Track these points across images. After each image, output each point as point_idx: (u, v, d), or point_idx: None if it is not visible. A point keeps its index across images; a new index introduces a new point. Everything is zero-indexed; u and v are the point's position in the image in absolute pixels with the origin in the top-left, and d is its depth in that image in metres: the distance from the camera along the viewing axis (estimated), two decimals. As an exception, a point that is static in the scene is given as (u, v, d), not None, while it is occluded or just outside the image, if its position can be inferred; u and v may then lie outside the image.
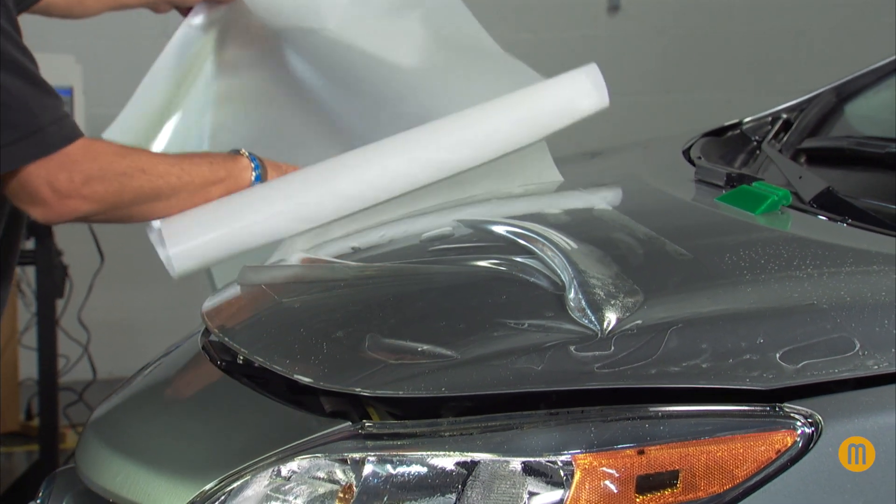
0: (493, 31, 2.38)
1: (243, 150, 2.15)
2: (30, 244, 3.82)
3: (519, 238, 1.88)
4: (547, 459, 1.49)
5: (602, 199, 2.13)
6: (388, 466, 1.53)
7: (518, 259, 1.79)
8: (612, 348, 1.55)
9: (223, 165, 2.11)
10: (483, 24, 2.36)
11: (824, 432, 1.46)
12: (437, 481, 1.51)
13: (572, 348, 1.56)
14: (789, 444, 1.46)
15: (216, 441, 1.67)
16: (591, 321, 1.59)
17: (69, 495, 1.80)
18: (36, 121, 1.89)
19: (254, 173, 2.13)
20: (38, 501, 1.83)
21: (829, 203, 1.94)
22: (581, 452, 1.48)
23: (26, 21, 2.06)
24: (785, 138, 2.42)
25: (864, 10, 5.42)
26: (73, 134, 1.93)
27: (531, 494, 1.48)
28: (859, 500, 1.45)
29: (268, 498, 1.57)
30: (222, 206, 2.10)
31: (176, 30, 2.31)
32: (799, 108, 2.52)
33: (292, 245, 2.20)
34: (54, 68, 2.88)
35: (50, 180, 1.91)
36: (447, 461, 1.51)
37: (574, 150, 2.79)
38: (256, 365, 1.76)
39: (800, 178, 2.07)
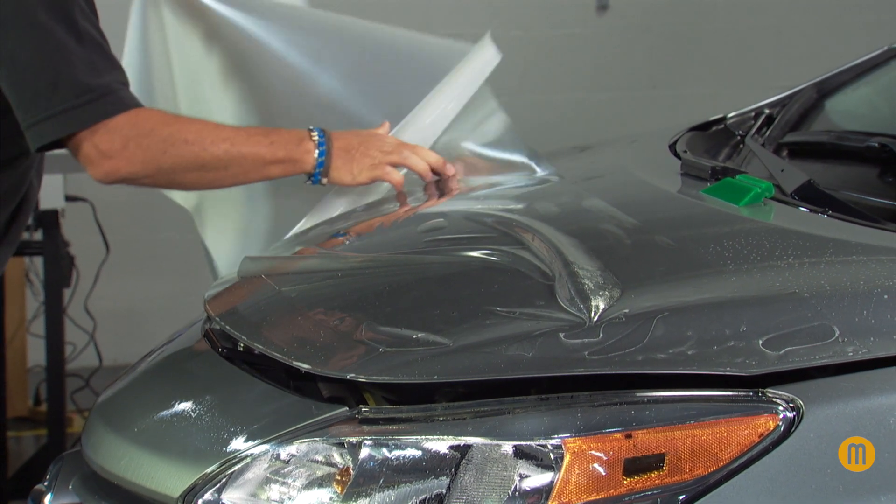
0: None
1: (313, 132, 2.10)
2: (38, 235, 3.81)
3: (510, 229, 1.88)
4: (537, 443, 1.48)
5: (591, 192, 2.13)
6: (384, 450, 1.53)
7: (509, 250, 1.79)
8: (601, 336, 1.55)
9: (284, 146, 2.07)
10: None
11: (805, 417, 1.46)
12: (432, 464, 1.51)
13: (562, 336, 1.56)
14: (772, 428, 1.46)
15: (217, 425, 1.66)
16: (579, 310, 1.59)
17: (76, 478, 1.80)
18: (94, 90, 1.94)
19: (318, 157, 2.09)
20: (46, 484, 1.83)
21: (810, 195, 1.93)
22: (570, 436, 1.48)
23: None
24: (767, 133, 2.41)
25: (844, 8, 5.42)
26: (124, 105, 1.97)
27: (522, 477, 1.48)
28: (838, 482, 1.45)
29: (267, 481, 1.57)
30: None
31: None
32: (781, 104, 2.51)
33: (292, 237, 2.20)
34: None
35: (95, 143, 1.97)
36: (441, 445, 1.51)
37: (564, 144, 2.79)
38: (256, 352, 1.76)
39: (782, 171, 2.07)
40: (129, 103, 1.98)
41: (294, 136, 2.09)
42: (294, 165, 2.08)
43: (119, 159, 1.99)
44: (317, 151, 2.09)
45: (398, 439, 1.53)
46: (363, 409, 1.58)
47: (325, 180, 2.13)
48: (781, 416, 1.46)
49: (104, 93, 1.95)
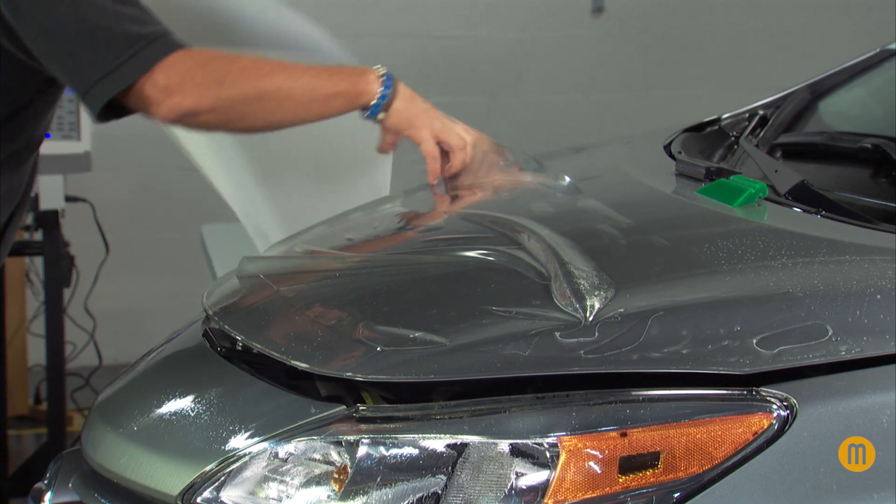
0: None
1: (379, 68, 2.06)
2: (38, 235, 3.81)
3: (506, 230, 1.88)
4: (534, 441, 1.48)
5: (586, 192, 2.13)
6: (382, 448, 1.53)
7: (505, 250, 1.79)
8: (596, 335, 1.55)
9: (345, 77, 2.03)
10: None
11: (799, 415, 1.46)
12: (429, 462, 1.51)
13: (558, 335, 1.56)
14: (766, 427, 1.46)
15: (216, 424, 1.66)
16: (575, 309, 1.59)
17: (76, 476, 1.80)
18: (144, 38, 1.92)
19: (381, 90, 2.04)
20: (46, 482, 1.83)
21: (804, 196, 1.94)
22: (566, 435, 1.48)
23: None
24: (761, 134, 2.41)
25: (838, 11, 5.42)
26: (176, 45, 1.95)
27: (518, 475, 1.48)
28: (831, 480, 1.45)
29: (266, 479, 1.57)
30: None
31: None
32: (775, 105, 2.51)
33: (290, 238, 2.20)
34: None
35: (154, 82, 1.92)
36: (438, 443, 1.51)
37: (560, 145, 2.79)
38: (255, 351, 1.75)
39: (776, 171, 2.07)
40: (181, 43, 1.97)
41: (357, 69, 2.06)
42: (356, 98, 2.03)
43: (179, 93, 1.93)
44: (381, 86, 2.05)
45: (395, 438, 1.53)
46: (361, 408, 1.58)
47: (382, 115, 2.07)
48: (775, 414, 1.46)
49: (155, 37, 1.93)
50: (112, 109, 1.95)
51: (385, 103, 2.06)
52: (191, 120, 1.97)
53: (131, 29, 1.92)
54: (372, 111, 2.06)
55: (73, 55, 1.92)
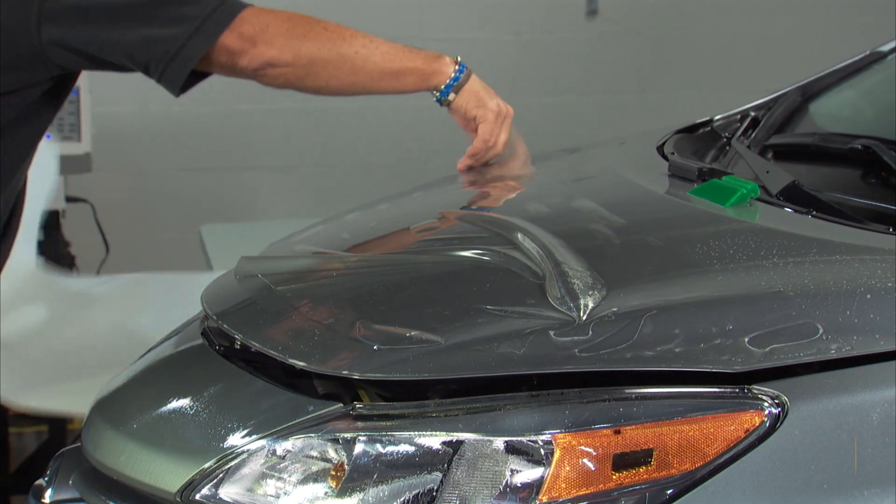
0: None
1: (456, 58, 2.10)
2: (38, 235, 3.80)
3: (501, 230, 1.87)
4: (528, 439, 1.48)
5: (580, 193, 2.13)
6: (378, 446, 1.53)
7: (500, 249, 1.79)
8: (590, 333, 1.55)
9: (422, 56, 2.06)
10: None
11: (790, 413, 1.46)
12: (425, 460, 1.51)
13: (552, 334, 1.55)
14: (757, 424, 1.46)
15: (214, 422, 1.66)
16: (569, 308, 1.59)
17: (76, 473, 1.80)
18: (209, 6, 1.94)
19: (455, 73, 2.07)
20: (47, 479, 1.83)
21: (795, 196, 1.93)
22: (560, 432, 1.48)
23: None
24: (753, 135, 2.41)
25: (828, 14, 5.42)
26: (244, 4, 1.97)
27: (513, 472, 1.48)
28: (822, 477, 1.45)
29: (264, 476, 1.57)
30: None
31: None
32: (766, 107, 2.51)
33: (288, 237, 2.20)
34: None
35: (238, 33, 1.93)
36: (434, 441, 1.51)
37: (555, 146, 2.79)
38: (253, 349, 1.75)
39: (767, 172, 2.07)
40: (250, 4, 1.98)
41: (433, 53, 2.09)
42: (429, 77, 2.06)
43: (262, 43, 1.95)
44: (455, 69, 2.08)
45: (392, 435, 1.53)
46: (357, 406, 1.58)
47: (452, 96, 2.10)
48: (767, 412, 1.46)
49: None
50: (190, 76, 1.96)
51: (457, 85, 2.09)
52: (269, 71, 1.97)
53: None
54: (443, 92, 2.09)
55: (148, 39, 1.93)
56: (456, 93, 2.11)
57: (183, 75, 1.95)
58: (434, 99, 2.12)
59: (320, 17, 2.03)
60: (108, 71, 2.03)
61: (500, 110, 2.16)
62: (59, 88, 2.05)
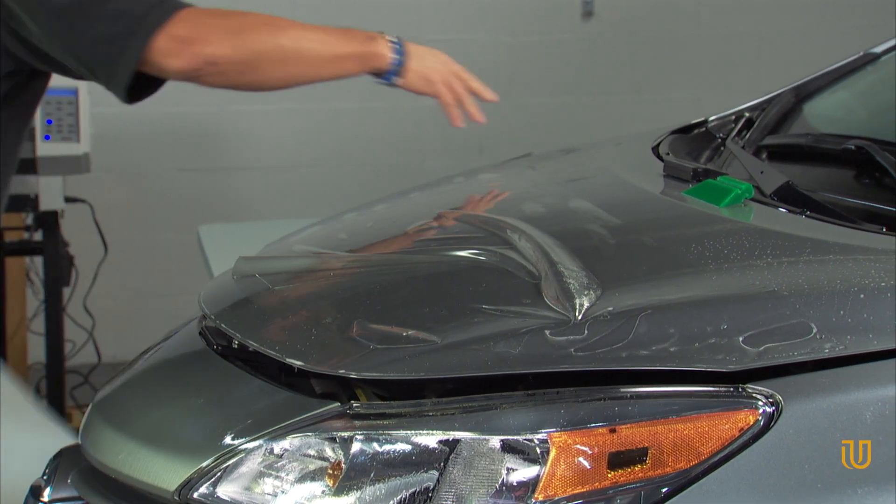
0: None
1: (385, 34, 2.04)
2: (38, 235, 3.80)
3: (497, 230, 1.87)
4: (524, 437, 1.48)
5: (576, 193, 2.13)
6: (375, 444, 1.53)
7: (497, 249, 1.79)
8: (586, 333, 1.55)
9: (358, 39, 2.00)
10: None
11: (784, 412, 1.46)
12: (421, 458, 1.51)
13: (548, 333, 1.55)
14: (752, 423, 1.46)
15: (212, 421, 1.66)
16: (565, 308, 1.59)
17: (74, 472, 1.80)
18: (143, 6, 1.89)
19: (394, 56, 2.02)
20: (45, 477, 1.82)
21: (789, 196, 1.94)
22: (556, 431, 1.48)
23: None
24: (748, 135, 2.41)
25: (822, 16, 5.43)
26: (183, 5, 1.92)
27: (509, 471, 1.48)
28: (816, 475, 1.45)
29: (261, 474, 1.57)
30: None
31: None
32: (761, 107, 2.51)
33: (285, 237, 2.20)
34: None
35: (171, 34, 1.88)
36: (430, 439, 1.51)
37: (551, 146, 2.79)
38: (251, 349, 1.75)
39: (761, 172, 2.07)
40: (189, 3, 1.94)
41: (367, 33, 2.03)
42: (371, 60, 2.00)
43: (198, 41, 1.89)
44: (393, 51, 2.02)
45: (388, 434, 1.53)
46: (354, 405, 1.58)
47: (398, 81, 2.05)
48: (761, 411, 1.46)
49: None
50: (142, 86, 1.92)
51: (400, 69, 2.04)
52: (209, 69, 1.92)
53: None
54: (387, 77, 2.04)
55: (88, 43, 1.88)
56: (402, 77, 2.04)
57: (125, 80, 1.90)
58: (376, 82, 2.06)
59: (278, 17, 1.97)
60: (63, 74, 1.96)
61: (446, 77, 2.09)
62: (33, 86, 2.01)
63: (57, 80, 2.03)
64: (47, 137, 3.52)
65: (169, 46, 1.88)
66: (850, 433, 1.45)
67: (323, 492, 1.53)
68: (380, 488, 1.51)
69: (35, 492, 1.81)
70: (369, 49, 2.01)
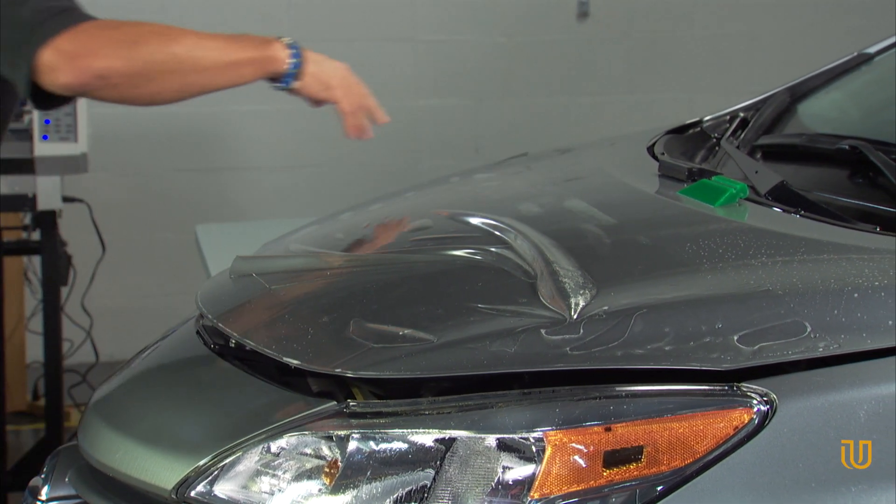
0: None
1: (284, 38, 1.98)
2: (36, 235, 3.80)
3: (493, 229, 1.87)
4: (520, 436, 1.48)
5: (571, 193, 2.13)
6: (372, 443, 1.53)
7: (492, 249, 1.79)
8: (581, 332, 1.54)
9: (253, 44, 1.95)
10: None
11: (779, 410, 1.46)
12: (418, 457, 1.51)
13: (543, 332, 1.55)
14: (746, 421, 1.46)
15: (209, 420, 1.66)
16: (560, 307, 1.59)
17: (72, 471, 1.79)
18: (51, 10, 1.84)
19: (291, 59, 1.96)
20: (43, 476, 1.82)
21: (784, 196, 1.94)
22: (552, 429, 1.48)
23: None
24: (742, 135, 2.41)
25: (816, 16, 5.43)
26: (84, 16, 1.87)
27: (505, 469, 1.48)
28: (810, 473, 1.45)
29: (258, 473, 1.57)
30: None
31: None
32: (755, 108, 2.51)
33: (282, 237, 2.20)
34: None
35: (60, 47, 1.83)
36: (427, 438, 1.51)
37: (546, 146, 2.79)
38: (247, 348, 1.75)
39: (756, 172, 2.07)
40: (89, 15, 1.88)
41: (262, 38, 1.97)
42: (267, 64, 1.95)
43: (86, 55, 1.82)
44: (290, 52, 1.96)
45: (385, 433, 1.53)
46: (351, 404, 1.57)
47: (296, 84, 1.99)
48: (755, 409, 1.46)
49: (63, 9, 1.85)
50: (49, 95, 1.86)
51: (298, 72, 1.98)
52: (98, 84, 1.85)
53: (40, 4, 1.83)
54: (285, 81, 1.98)
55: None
56: (299, 81, 1.99)
57: (25, 90, 1.85)
58: (273, 87, 2.00)
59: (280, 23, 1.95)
60: None
61: (344, 84, 2.03)
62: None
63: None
64: (45, 137, 3.52)
65: (54, 61, 1.83)
66: (845, 432, 1.45)
67: (320, 490, 1.53)
68: (376, 487, 1.51)
69: (33, 490, 1.80)
70: (265, 53, 1.96)
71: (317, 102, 2.07)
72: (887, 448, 1.45)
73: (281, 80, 1.99)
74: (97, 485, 1.74)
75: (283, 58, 1.97)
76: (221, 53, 1.92)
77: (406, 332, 1.61)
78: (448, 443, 1.50)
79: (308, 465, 1.55)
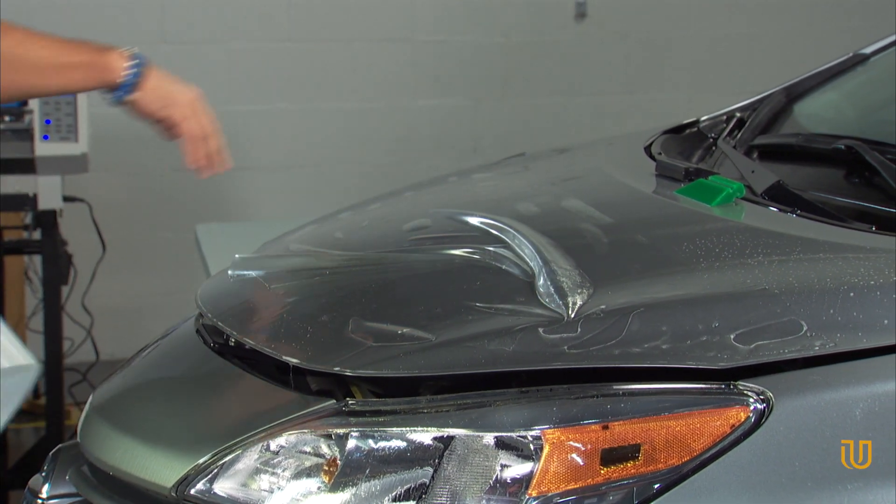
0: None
1: (130, 49, 1.83)
2: (36, 234, 3.80)
3: (491, 229, 1.87)
4: (518, 434, 1.48)
5: (569, 192, 2.13)
6: (370, 441, 1.53)
7: (490, 248, 1.79)
8: (579, 331, 1.54)
9: (88, 50, 1.81)
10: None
11: (775, 409, 1.46)
12: (416, 455, 1.51)
13: (541, 331, 1.55)
14: (743, 420, 1.46)
15: (209, 418, 1.66)
16: (558, 306, 1.59)
17: (72, 469, 1.79)
18: None
19: (129, 70, 1.80)
20: (44, 474, 1.82)
21: (780, 195, 1.94)
22: (549, 427, 1.48)
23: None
24: (739, 135, 2.41)
25: (812, 16, 5.43)
26: None
27: (503, 467, 1.48)
28: (806, 471, 1.45)
29: (258, 471, 1.57)
30: None
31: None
32: (752, 108, 2.51)
33: (281, 236, 2.19)
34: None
35: None
36: (425, 436, 1.51)
37: (544, 146, 2.79)
38: (247, 347, 1.75)
39: (752, 172, 2.07)
40: None
41: (101, 46, 1.83)
42: (99, 73, 1.80)
43: None
44: (129, 63, 1.81)
45: (384, 431, 1.53)
46: (350, 402, 1.57)
47: (131, 97, 1.83)
48: (752, 407, 1.46)
49: None
50: None
51: (136, 83, 1.83)
52: None
53: None
54: (119, 92, 1.83)
55: None
56: (135, 93, 1.83)
57: None
58: (108, 101, 1.85)
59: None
60: None
61: (190, 106, 1.86)
62: None
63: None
64: (46, 137, 3.52)
65: None
66: (841, 430, 1.45)
67: (319, 488, 1.53)
68: (375, 485, 1.51)
69: (33, 489, 1.80)
70: (98, 60, 1.81)
71: (160, 124, 1.89)
72: (884, 446, 1.45)
73: (115, 91, 1.84)
74: (97, 483, 1.74)
75: (117, 67, 1.82)
76: (50, 53, 1.79)
77: (404, 330, 1.61)
78: (446, 441, 1.50)
79: (307, 464, 1.55)
